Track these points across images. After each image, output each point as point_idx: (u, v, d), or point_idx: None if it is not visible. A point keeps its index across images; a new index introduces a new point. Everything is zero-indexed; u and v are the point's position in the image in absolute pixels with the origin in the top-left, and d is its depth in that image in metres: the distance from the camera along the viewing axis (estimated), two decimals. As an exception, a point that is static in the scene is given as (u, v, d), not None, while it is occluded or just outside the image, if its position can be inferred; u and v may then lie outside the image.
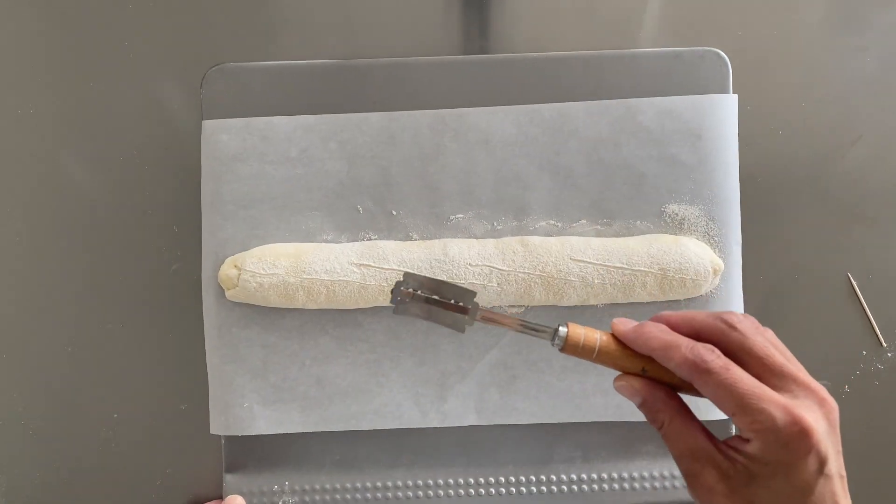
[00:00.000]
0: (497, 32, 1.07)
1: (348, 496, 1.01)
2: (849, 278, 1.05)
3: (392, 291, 0.78)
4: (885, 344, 1.04)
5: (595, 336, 0.71)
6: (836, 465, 0.62)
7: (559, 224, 0.99)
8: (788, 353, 0.66)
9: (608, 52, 1.01)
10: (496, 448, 1.01)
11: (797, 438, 0.60)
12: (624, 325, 0.71)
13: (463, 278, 0.95)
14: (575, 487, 1.00)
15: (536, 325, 0.75)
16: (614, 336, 0.72)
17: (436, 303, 0.78)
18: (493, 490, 1.00)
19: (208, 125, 0.99)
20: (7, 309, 1.06)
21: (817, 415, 0.61)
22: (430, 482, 1.01)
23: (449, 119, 0.99)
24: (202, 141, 0.99)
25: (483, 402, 1.00)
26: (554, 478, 1.01)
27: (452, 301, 0.77)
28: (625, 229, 0.99)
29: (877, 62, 1.05)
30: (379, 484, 1.01)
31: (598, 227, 0.99)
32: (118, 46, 1.07)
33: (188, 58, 1.06)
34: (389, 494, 1.01)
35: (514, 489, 1.00)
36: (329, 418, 1.00)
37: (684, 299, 0.98)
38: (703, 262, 0.95)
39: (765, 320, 1.03)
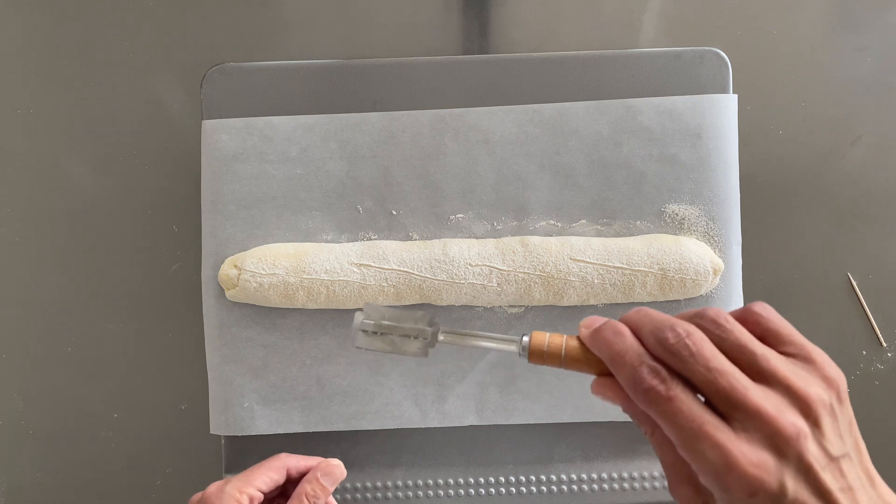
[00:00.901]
0: (497, 32, 1.07)
1: (348, 496, 1.00)
2: (849, 278, 1.05)
3: (353, 327, 0.76)
4: (885, 344, 1.04)
5: (560, 341, 0.66)
6: (820, 460, 0.55)
7: (559, 224, 0.99)
8: (754, 351, 0.57)
9: (608, 51, 1.01)
10: (496, 448, 1.01)
11: (736, 483, 0.54)
12: (589, 325, 0.64)
13: (463, 278, 0.94)
14: (575, 487, 1.00)
15: (500, 336, 0.72)
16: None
17: (396, 334, 0.75)
18: (493, 490, 1.00)
19: (208, 125, 0.99)
20: (7, 309, 1.06)
21: (766, 443, 0.54)
22: (430, 482, 1.01)
23: (449, 119, 0.99)
24: (202, 141, 0.99)
25: (483, 402, 1.00)
26: (554, 478, 1.01)
27: (412, 326, 0.75)
28: (625, 229, 0.99)
29: (877, 62, 1.05)
30: (379, 484, 1.01)
31: (598, 226, 0.99)
32: (118, 46, 1.07)
33: (188, 58, 1.06)
34: (389, 494, 1.01)
35: (514, 489, 1.00)
36: (329, 418, 1.00)
37: (684, 299, 0.98)
38: (703, 262, 0.95)
39: (765, 320, 1.04)
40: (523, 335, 0.68)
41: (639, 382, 0.57)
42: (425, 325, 0.75)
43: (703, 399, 0.57)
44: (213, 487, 0.80)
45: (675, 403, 0.55)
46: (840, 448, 0.56)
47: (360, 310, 0.76)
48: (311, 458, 0.85)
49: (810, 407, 0.54)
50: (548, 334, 0.67)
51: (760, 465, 0.53)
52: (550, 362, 0.66)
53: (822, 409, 0.55)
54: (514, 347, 0.70)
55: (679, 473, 0.61)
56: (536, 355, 0.67)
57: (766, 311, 0.61)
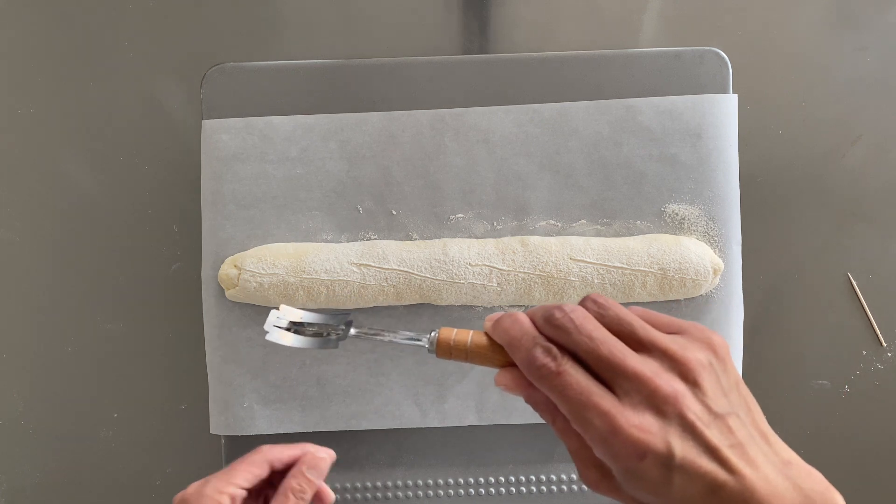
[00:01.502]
0: (497, 32, 1.07)
1: (348, 496, 1.00)
2: (849, 278, 1.05)
3: (266, 322, 0.79)
4: (885, 344, 1.04)
5: (465, 336, 0.68)
6: (702, 417, 0.56)
7: (559, 224, 0.99)
8: (632, 322, 0.61)
9: (608, 51, 1.01)
10: (496, 448, 1.01)
11: (623, 448, 0.55)
12: (492, 318, 0.67)
13: (463, 278, 0.94)
14: (575, 487, 1.00)
15: (410, 334, 0.74)
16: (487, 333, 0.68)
17: (309, 332, 0.79)
18: (493, 490, 1.00)
19: (208, 125, 0.99)
20: (7, 309, 1.06)
21: (647, 405, 0.56)
22: (430, 482, 1.01)
23: (449, 119, 0.99)
24: (202, 141, 0.99)
25: (483, 402, 1.00)
26: (554, 478, 1.01)
27: (325, 322, 0.79)
28: (625, 229, 0.99)
29: (877, 62, 1.06)
30: (379, 484, 1.01)
31: (598, 226, 0.99)
32: (118, 46, 1.07)
33: (188, 58, 1.06)
34: (389, 494, 1.01)
35: (514, 489, 1.00)
36: (329, 418, 1.00)
37: (684, 299, 0.98)
38: (703, 261, 0.95)
39: (765, 320, 1.04)
40: (432, 331, 0.70)
41: (532, 360, 0.59)
42: (341, 323, 0.78)
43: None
44: (193, 488, 0.76)
45: (565, 377, 0.58)
46: (725, 406, 0.57)
47: (276, 308, 0.80)
48: (295, 446, 0.82)
49: (688, 367, 0.57)
50: (455, 330, 0.69)
51: (643, 428, 0.55)
52: (457, 356, 0.68)
53: (701, 369, 0.57)
54: (423, 343, 0.72)
55: (583, 458, 0.62)
56: (444, 350, 0.69)
57: (638, 310, 0.64)
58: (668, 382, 0.56)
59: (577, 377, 0.58)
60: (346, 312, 0.77)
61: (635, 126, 0.99)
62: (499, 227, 0.99)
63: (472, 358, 0.68)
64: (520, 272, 0.95)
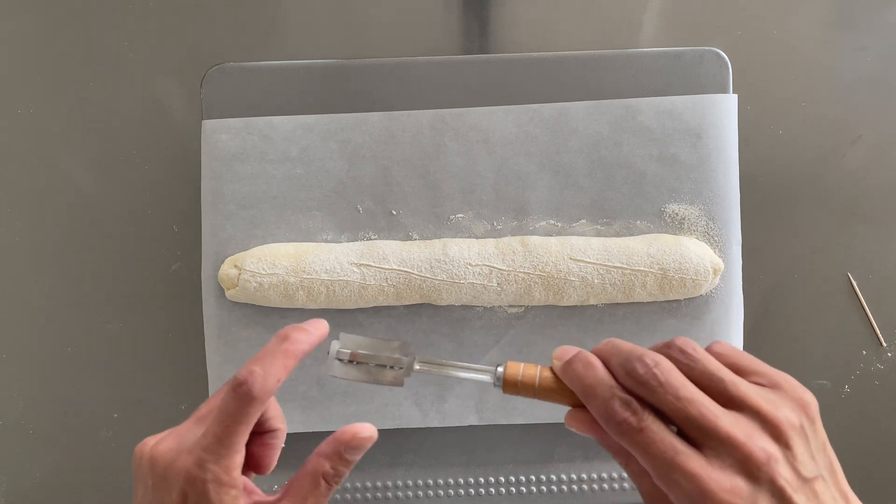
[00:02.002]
0: (497, 32, 1.07)
1: (348, 496, 1.00)
2: (849, 278, 1.05)
3: (328, 355, 0.73)
4: (885, 344, 1.04)
5: (534, 372, 0.65)
6: (792, 483, 0.55)
7: (559, 224, 0.99)
8: (723, 378, 0.58)
9: (608, 51, 1.01)
10: (496, 448, 1.01)
11: None
12: (560, 357, 0.63)
13: (463, 278, 0.94)
14: (575, 487, 1.00)
15: (475, 366, 0.70)
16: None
17: (372, 364, 0.73)
18: (493, 490, 1.00)
19: (208, 125, 0.99)
20: (7, 309, 1.06)
21: (738, 469, 0.54)
22: (430, 482, 1.00)
23: (449, 118, 0.99)
24: (202, 141, 0.99)
25: (483, 402, 1.00)
26: (554, 478, 1.01)
27: (388, 355, 0.73)
28: (625, 229, 0.99)
29: (877, 62, 1.06)
30: (379, 484, 1.01)
31: (598, 226, 0.99)
32: (118, 46, 1.07)
33: (188, 58, 1.06)
34: (389, 494, 1.01)
35: (514, 489, 1.00)
36: (329, 418, 1.00)
37: (684, 299, 0.98)
38: (703, 261, 0.95)
39: (765, 320, 1.04)
40: (498, 365, 0.67)
41: (611, 415, 0.57)
42: (402, 354, 0.73)
43: (675, 428, 0.57)
44: (191, 468, 0.60)
45: (647, 434, 0.56)
46: (813, 469, 0.56)
47: (336, 339, 0.74)
48: (285, 357, 0.65)
49: (780, 430, 0.55)
50: (522, 365, 0.66)
51: (734, 492, 0.53)
52: (524, 393, 0.66)
53: (793, 432, 0.55)
54: (488, 378, 0.69)
55: (657, 501, 0.61)
56: (511, 385, 0.66)
57: (725, 349, 0.61)
58: (762, 448, 0.54)
59: (661, 434, 0.56)
60: (406, 342, 0.73)
61: (635, 126, 0.99)
62: (499, 227, 0.99)
63: (539, 395, 0.65)
64: (520, 272, 0.95)
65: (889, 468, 1.05)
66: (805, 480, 0.55)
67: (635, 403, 0.57)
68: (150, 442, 0.65)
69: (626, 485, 1.00)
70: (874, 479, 1.05)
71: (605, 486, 1.00)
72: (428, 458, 1.01)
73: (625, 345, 0.60)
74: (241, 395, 0.61)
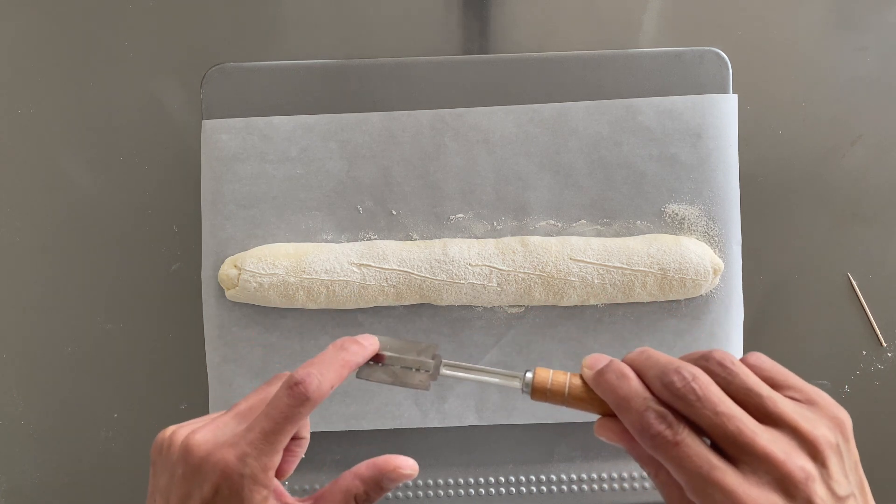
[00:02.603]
0: (497, 32, 1.07)
1: (348, 496, 1.01)
2: (849, 278, 1.05)
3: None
4: (885, 344, 1.04)
5: (563, 379, 0.64)
6: (827, 501, 0.55)
7: (559, 224, 0.99)
8: (760, 394, 0.57)
9: (608, 51, 1.01)
10: (496, 448, 1.01)
11: None
12: (592, 365, 0.63)
13: (463, 278, 0.95)
14: (575, 487, 1.00)
15: (503, 371, 0.68)
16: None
17: (398, 366, 0.72)
18: (493, 490, 1.00)
19: (208, 125, 0.99)
20: (7, 309, 1.06)
21: (775, 486, 0.54)
22: (430, 482, 1.00)
23: (449, 118, 0.99)
24: (202, 141, 0.99)
25: (483, 402, 1.00)
26: (554, 478, 1.01)
27: (414, 357, 0.72)
28: (625, 229, 0.99)
29: (877, 62, 1.06)
30: (379, 484, 1.01)
31: (598, 226, 0.99)
32: (118, 46, 1.07)
33: (188, 58, 1.06)
34: (389, 495, 1.01)
35: (514, 489, 1.00)
36: (329, 418, 1.00)
37: (684, 299, 0.98)
38: (703, 261, 0.95)
39: (765, 320, 1.04)
40: (526, 371, 0.66)
41: (646, 428, 0.56)
42: (428, 357, 0.72)
43: (709, 441, 0.57)
44: (230, 461, 0.60)
45: (683, 448, 0.55)
46: (846, 488, 0.56)
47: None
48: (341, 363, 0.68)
49: (818, 449, 0.55)
50: (551, 372, 0.65)
51: None
52: (553, 400, 0.65)
53: (830, 451, 0.55)
54: (517, 384, 0.67)
55: None
56: (539, 393, 0.65)
57: (761, 360, 0.61)
58: (799, 466, 0.54)
59: (697, 448, 0.55)
60: (434, 344, 0.72)
61: (635, 126, 0.99)
62: (499, 227, 0.99)
63: (569, 403, 0.64)
64: (520, 272, 0.95)
65: (889, 468, 1.05)
66: (839, 499, 0.55)
67: (671, 416, 0.57)
68: (182, 431, 0.65)
69: (625, 485, 1.00)
70: (874, 479, 1.04)
71: (605, 485, 1.00)
72: (428, 458, 1.01)
73: (660, 356, 0.60)
74: (297, 395, 0.62)
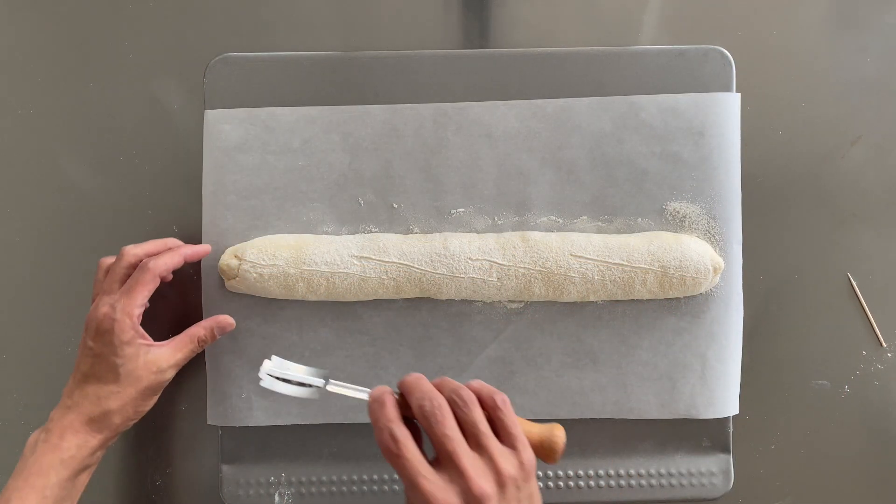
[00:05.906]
0: (497, 32, 1.07)
1: (344, 488, 1.00)
2: (849, 278, 1.05)
3: (260, 370, 0.86)
4: (885, 344, 1.04)
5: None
6: None
7: (560, 220, 0.99)
8: (482, 429, 0.75)
9: (612, 48, 1.02)
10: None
11: None
12: (373, 395, 0.79)
13: (463, 272, 0.95)
14: (572, 484, 1.00)
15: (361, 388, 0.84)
16: None
17: (292, 381, 0.86)
18: (491, 488, 1.00)
19: (211, 115, 1.00)
20: (7, 309, 1.06)
21: (462, 497, 0.71)
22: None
23: (452, 112, 1.00)
24: (205, 130, 1.00)
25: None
26: (552, 474, 1.00)
27: (304, 377, 0.86)
28: (626, 226, 0.99)
29: (877, 62, 1.06)
30: (375, 476, 1.01)
31: (599, 223, 0.99)
32: (118, 46, 1.08)
33: (189, 57, 1.06)
34: (386, 487, 1.00)
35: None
36: (327, 410, 1.00)
37: (684, 297, 0.98)
38: (703, 260, 0.95)
39: (765, 320, 1.04)
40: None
41: (381, 441, 0.74)
42: (323, 376, 0.87)
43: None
44: (101, 311, 0.92)
45: (402, 460, 0.72)
46: None
47: (269, 359, 0.86)
48: (171, 253, 0.95)
49: (503, 478, 0.72)
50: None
51: None
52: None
53: (510, 483, 0.72)
54: (364, 396, 0.82)
55: None
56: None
57: (504, 406, 0.78)
58: (482, 485, 0.71)
59: (413, 461, 0.73)
60: (325, 371, 0.87)
61: (638, 123, 0.99)
62: (500, 222, 1.00)
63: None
64: (520, 267, 0.95)
65: (889, 468, 1.05)
66: None
67: (400, 435, 0.74)
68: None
69: (622, 482, 1.00)
70: (874, 479, 1.05)
71: (602, 482, 1.00)
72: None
73: (426, 384, 0.77)
74: (146, 270, 0.92)
